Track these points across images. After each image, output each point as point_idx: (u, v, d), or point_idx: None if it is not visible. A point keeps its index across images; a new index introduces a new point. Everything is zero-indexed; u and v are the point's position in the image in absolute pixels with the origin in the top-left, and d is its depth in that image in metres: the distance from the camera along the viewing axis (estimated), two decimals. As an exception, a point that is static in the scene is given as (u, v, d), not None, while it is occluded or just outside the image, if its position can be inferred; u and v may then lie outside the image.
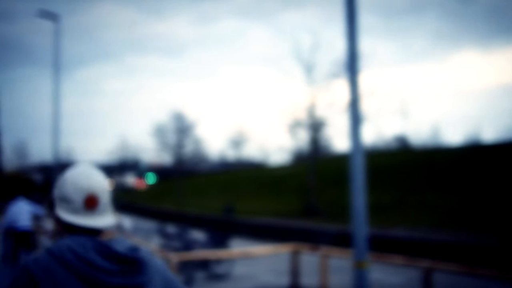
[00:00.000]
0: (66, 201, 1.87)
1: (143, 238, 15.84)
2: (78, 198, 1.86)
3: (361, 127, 6.99)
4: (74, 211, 1.86)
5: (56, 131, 27.81)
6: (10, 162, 70.34)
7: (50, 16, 27.68)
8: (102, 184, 1.92)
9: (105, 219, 1.92)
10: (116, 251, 1.79)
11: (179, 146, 42.50)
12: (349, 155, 7.06)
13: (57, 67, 27.99)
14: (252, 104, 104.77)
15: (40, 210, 13.85)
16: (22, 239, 12.44)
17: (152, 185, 68.15)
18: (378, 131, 48.63)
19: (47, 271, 1.70)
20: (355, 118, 6.94)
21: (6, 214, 12.55)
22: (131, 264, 1.80)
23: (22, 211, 12.58)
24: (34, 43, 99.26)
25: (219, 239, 14.39)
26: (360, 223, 6.98)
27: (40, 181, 68.16)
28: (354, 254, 7.04)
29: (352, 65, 6.91)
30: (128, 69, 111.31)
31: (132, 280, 1.77)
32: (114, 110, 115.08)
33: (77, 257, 1.73)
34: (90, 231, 1.87)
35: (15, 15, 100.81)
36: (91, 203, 1.87)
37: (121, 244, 1.84)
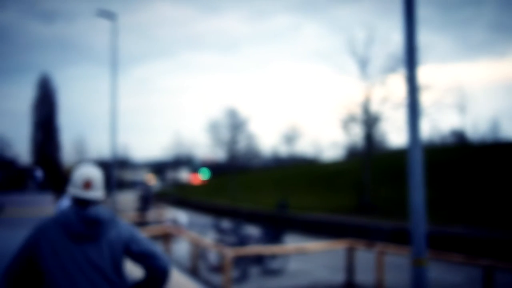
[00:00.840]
0: (74, 184, 3.14)
1: (199, 232, 16.03)
2: (79, 182, 3.13)
3: (420, 121, 6.82)
4: (77, 189, 3.12)
5: (113, 127, 28.50)
6: (70, 157, 72.60)
7: (108, 15, 28.36)
8: (95, 174, 3.19)
9: (95, 193, 3.14)
10: (85, 213, 3.02)
11: (232, 142, 42.79)
12: (407, 150, 6.90)
13: (114, 65, 28.66)
14: (305, 99, 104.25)
15: None
16: None
17: (205, 180, 68.95)
18: (434, 125, 47.27)
19: (45, 227, 3.01)
20: (413, 112, 6.77)
21: (56, 209, 13.83)
22: (93, 221, 3.01)
23: (65, 205, 13.71)
24: (92, 42, 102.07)
25: (273, 235, 14.39)
26: (419, 220, 6.81)
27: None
28: (412, 251, 6.88)
29: (410, 58, 6.74)
30: (183, 66, 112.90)
31: (91, 230, 3.00)
32: (169, 107, 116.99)
33: (64, 217, 3.02)
34: (86, 201, 3.10)
35: (74, 15, 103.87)
36: (86, 185, 3.13)
37: (95, 210, 3.06)
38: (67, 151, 71.15)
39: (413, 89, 6.77)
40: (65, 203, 13.70)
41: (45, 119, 65.01)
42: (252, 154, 53.89)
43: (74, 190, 3.11)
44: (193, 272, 13.26)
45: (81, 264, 2.93)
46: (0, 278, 3.03)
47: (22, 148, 69.20)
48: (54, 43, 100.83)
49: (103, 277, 2.96)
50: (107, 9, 28.78)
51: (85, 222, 2.98)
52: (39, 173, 57.82)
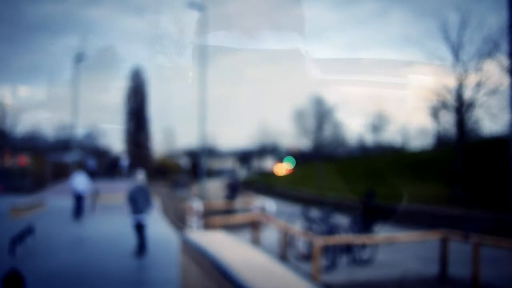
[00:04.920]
0: (137, 178, 14.13)
1: (286, 221, 16.14)
2: (138, 178, 14.12)
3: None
4: (139, 180, 14.12)
5: (202, 117, 29.16)
6: (160, 146, 75.02)
7: (197, 6, 29.01)
8: (142, 175, 14.13)
9: (143, 181, 14.15)
10: (141, 185, 13.95)
11: (318, 130, 42.62)
12: (509, 138, 6.57)
13: (203, 55, 29.29)
14: (392, 87, 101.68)
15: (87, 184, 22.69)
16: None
17: (291, 169, 69.03)
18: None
19: (133, 187, 13.92)
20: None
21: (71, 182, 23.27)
22: (144, 187, 13.99)
23: (82, 181, 22.34)
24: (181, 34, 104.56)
25: (363, 224, 14.22)
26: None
27: (188, 165, 72.10)
28: (514, 244, 6.56)
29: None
30: (268, 55, 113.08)
31: (144, 189, 13.90)
32: (255, 96, 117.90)
33: (138, 185, 13.92)
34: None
35: (163, 7, 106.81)
36: (140, 179, 14.16)
37: (144, 185, 14.10)
38: (158, 140, 73.65)
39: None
40: (77, 179, 22.63)
41: (136, 109, 67.58)
42: (338, 142, 53.35)
43: (138, 180, 13.85)
44: (282, 259, 13.39)
45: (141, 197, 13.56)
46: (128, 199, 13.63)
47: (117, 137, 72.44)
48: (144, 36, 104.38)
49: (147, 202, 13.71)
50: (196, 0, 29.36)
51: (142, 187, 13.85)
52: (124, 162, 60.56)
